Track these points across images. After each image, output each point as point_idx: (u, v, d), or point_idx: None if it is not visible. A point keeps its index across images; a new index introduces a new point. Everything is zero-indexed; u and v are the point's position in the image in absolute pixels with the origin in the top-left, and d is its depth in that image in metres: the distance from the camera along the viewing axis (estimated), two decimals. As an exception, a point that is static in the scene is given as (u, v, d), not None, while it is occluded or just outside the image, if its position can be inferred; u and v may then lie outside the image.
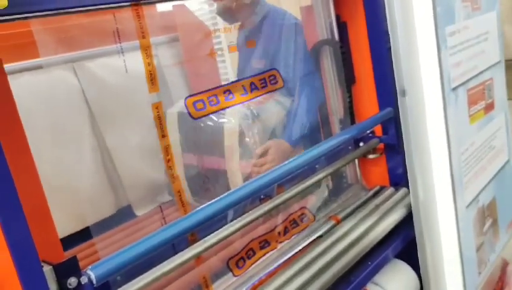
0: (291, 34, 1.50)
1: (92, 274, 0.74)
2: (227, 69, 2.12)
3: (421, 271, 1.35)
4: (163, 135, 0.95)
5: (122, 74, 1.59)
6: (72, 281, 0.76)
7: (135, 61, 1.54)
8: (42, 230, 0.84)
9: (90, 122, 1.56)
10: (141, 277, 0.87)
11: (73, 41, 1.24)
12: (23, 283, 0.69)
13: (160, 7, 1.67)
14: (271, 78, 1.23)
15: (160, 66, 1.70)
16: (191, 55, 1.71)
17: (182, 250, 0.94)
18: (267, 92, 1.23)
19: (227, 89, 1.09)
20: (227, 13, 1.53)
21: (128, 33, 0.97)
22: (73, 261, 0.78)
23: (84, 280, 0.74)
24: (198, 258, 1.02)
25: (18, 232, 0.68)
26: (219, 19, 1.60)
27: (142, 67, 1.49)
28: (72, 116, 1.50)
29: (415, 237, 1.33)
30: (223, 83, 1.19)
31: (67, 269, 0.76)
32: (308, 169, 1.25)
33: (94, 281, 0.74)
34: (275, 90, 1.25)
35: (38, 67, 1.48)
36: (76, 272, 0.77)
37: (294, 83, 1.49)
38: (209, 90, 1.07)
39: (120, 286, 0.86)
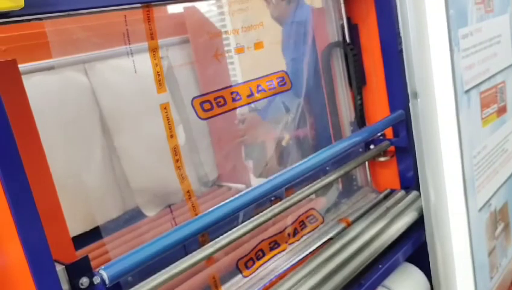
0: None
1: (104, 274, 0.75)
2: (236, 71, 2.12)
3: (432, 275, 1.34)
4: (171, 135, 0.95)
5: (132, 75, 1.59)
6: (84, 281, 0.76)
7: (145, 62, 1.55)
8: (54, 230, 0.84)
9: (101, 122, 1.57)
10: (152, 277, 0.86)
11: (85, 43, 1.25)
12: (37, 283, 0.69)
13: (171, 9, 1.68)
14: (279, 79, 1.22)
15: (171, 67, 1.70)
16: (202, 57, 1.71)
17: (193, 250, 0.94)
18: (275, 94, 1.22)
19: (235, 90, 1.10)
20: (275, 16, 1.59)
21: (139, 35, 0.97)
22: (85, 261, 0.78)
23: (96, 279, 0.75)
24: (208, 258, 1.02)
25: (32, 232, 0.68)
26: (227, 21, 1.61)
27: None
28: (83, 116, 1.51)
29: (425, 241, 1.32)
30: (232, 84, 1.19)
31: (79, 269, 0.76)
32: (319, 171, 1.25)
33: (107, 281, 0.74)
34: (283, 92, 1.25)
35: (50, 68, 1.49)
36: (88, 272, 0.77)
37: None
38: (216, 91, 1.07)
39: (131, 287, 0.86)
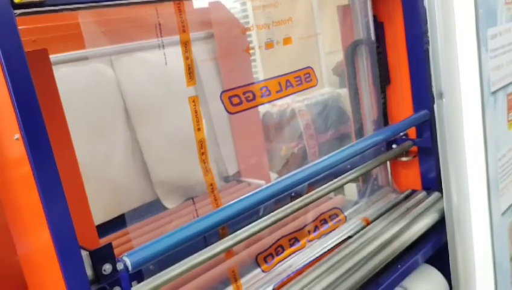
0: None
1: (128, 261, 0.76)
2: (258, 68, 2.12)
3: (452, 278, 1.32)
4: (198, 128, 0.96)
5: (156, 69, 1.62)
6: (107, 267, 0.78)
7: (169, 56, 1.56)
8: (79, 217, 0.86)
9: (125, 115, 1.59)
10: (173, 267, 0.88)
11: (112, 35, 1.27)
12: (63, 268, 0.71)
13: (196, 3, 1.69)
14: (306, 76, 1.22)
15: (195, 62, 1.71)
16: (226, 52, 1.72)
17: (213, 242, 0.95)
18: (302, 90, 1.22)
19: (264, 85, 1.10)
20: None
21: (166, 28, 0.98)
22: (109, 248, 0.80)
23: (120, 266, 0.76)
24: (228, 251, 1.03)
25: (60, 219, 0.70)
26: (251, 17, 1.61)
27: (177, 62, 1.51)
28: (108, 108, 1.53)
29: (446, 243, 1.31)
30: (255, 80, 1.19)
31: (103, 255, 0.78)
32: (340, 169, 1.24)
33: (130, 268, 0.76)
34: (309, 88, 1.25)
35: (77, 59, 1.52)
36: (111, 259, 0.79)
37: None
38: (246, 85, 1.07)
39: (152, 275, 0.88)
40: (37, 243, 0.78)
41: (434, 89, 1.26)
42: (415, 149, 1.48)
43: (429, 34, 1.24)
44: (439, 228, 1.36)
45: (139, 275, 0.89)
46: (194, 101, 0.95)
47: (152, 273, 0.89)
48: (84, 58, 1.49)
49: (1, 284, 0.97)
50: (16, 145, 0.70)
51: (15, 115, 0.68)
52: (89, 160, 1.46)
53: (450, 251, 1.30)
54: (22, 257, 0.89)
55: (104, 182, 1.52)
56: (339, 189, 1.28)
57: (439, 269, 1.40)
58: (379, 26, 1.45)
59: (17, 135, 0.70)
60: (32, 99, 0.68)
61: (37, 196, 0.70)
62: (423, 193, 1.47)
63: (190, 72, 0.95)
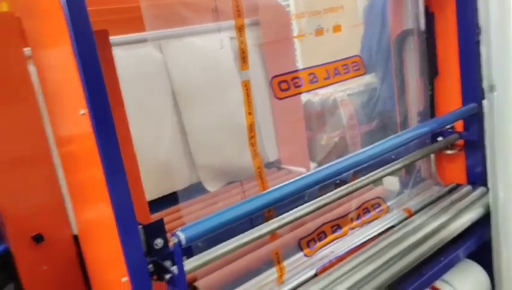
0: None
1: (182, 235, 0.79)
2: (297, 56, 2.12)
3: (495, 275, 1.31)
4: (249, 112, 0.97)
5: (204, 53, 1.64)
6: (159, 241, 0.81)
7: (216, 42, 1.57)
8: (134, 193, 0.90)
9: (172, 98, 1.63)
10: (221, 244, 0.90)
11: (163, 20, 1.29)
12: (123, 240, 0.75)
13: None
14: (354, 64, 1.22)
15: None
16: (271, 39, 1.73)
17: (259, 225, 0.98)
18: (349, 78, 1.22)
19: (312, 72, 1.10)
20: None
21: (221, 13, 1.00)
22: (160, 223, 0.83)
23: (174, 240, 0.79)
24: (272, 234, 1.05)
25: (121, 193, 0.74)
26: (292, 6, 1.62)
27: (225, 48, 1.52)
28: (156, 91, 1.57)
29: (490, 239, 1.29)
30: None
31: (155, 230, 0.81)
32: (384, 159, 1.24)
33: (183, 242, 0.79)
34: (357, 76, 1.25)
35: (127, 43, 1.57)
36: (163, 233, 0.82)
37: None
38: (294, 71, 1.08)
39: (200, 252, 0.91)
40: (97, 215, 0.82)
41: (485, 82, 1.24)
42: (461, 142, 1.45)
43: (482, 25, 1.21)
44: (483, 223, 1.34)
45: (188, 251, 0.92)
46: (246, 86, 0.97)
47: (199, 251, 0.92)
48: (137, 42, 1.53)
49: (55, 257, 1.02)
50: (81, 120, 0.74)
51: (82, 91, 0.71)
52: (137, 140, 1.50)
53: (494, 248, 1.28)
54: (80, 230, 0.94)
55: (151, 162, 1.57)
56: (383, 179, 1.28)
57: (481, 266, 1.38)
58: (429, 17, 1.42)
59: (83, 110, 0.73)
60: (98, 76, 0.72)
61: (100, 170, 0.73)
62: (468, 187, 1.44)
63: (244, 56, 0.96)
